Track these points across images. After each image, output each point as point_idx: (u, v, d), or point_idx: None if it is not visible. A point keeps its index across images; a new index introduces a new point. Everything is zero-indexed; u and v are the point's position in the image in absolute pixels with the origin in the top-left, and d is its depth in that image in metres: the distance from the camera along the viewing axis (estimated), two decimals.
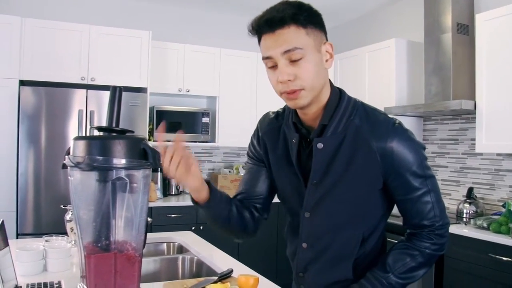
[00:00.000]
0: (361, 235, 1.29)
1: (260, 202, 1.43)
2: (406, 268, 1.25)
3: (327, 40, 1.22)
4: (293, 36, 1.13)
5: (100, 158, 0.76)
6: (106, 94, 3.74)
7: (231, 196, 1.42)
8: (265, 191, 1.43)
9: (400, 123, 1.24)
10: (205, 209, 1.27)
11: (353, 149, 1.22)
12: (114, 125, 0.83)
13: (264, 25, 1.15)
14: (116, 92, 0.83)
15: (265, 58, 1.18)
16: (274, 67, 1.17)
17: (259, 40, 1.20)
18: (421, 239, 1.27)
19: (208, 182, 1.28)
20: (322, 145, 1.24)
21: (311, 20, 1.16)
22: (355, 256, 1.30)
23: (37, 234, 3.39)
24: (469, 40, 3.49)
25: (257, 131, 1.46)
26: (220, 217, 1.32)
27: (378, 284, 1.24)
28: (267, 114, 1.46)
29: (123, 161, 0.78)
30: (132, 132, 0.83)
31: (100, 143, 0.79)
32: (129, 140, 0.80)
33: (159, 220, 3.87)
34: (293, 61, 1.14)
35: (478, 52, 3.21)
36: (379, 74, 4.04)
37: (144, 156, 0.80)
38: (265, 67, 1.21)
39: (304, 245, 1.35)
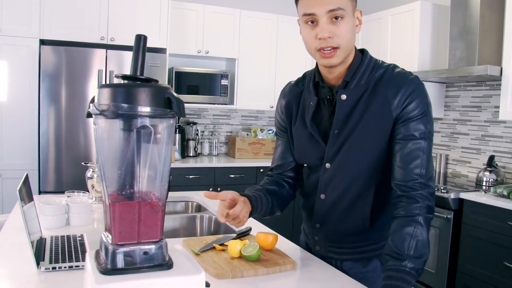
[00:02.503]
0: (374, 183, 1.36)
1: (293, 171, 1.57)
2: (413, 248, 1.20)
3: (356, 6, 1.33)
4: None
5: (125, 105, 0.76)
6: (126, 54, 3.75)
7: (268, 171, 1.61)
8: (295, 162, 1.55)
9: (417, 77, 1.31)
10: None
11: (370, 98, 1.30)
12: (138, 73, 0.82)
13: None
14: (141, 41, 0.82)
15: (306, 15, 1.26)
16: (313, 24, 1.26)
17: None
18: (410, 203, 1.25)
19: (244, 195, 1.42)
20: (346, 96, 1.33)
21: None
22: (371, 204, 1.37)
23: (59, 192, 3.46)
24: (498, 2, 3.36)
25: (279, 101, 1.56)
26: (266, 214, 1.49)
27: (403, 275, 1.18)
28: (288, 84, 1.57)
29: (148, 109, 0.78)
30: (157, 81, 0.83)
31: (125, 91, 0.78)
32: (154, 89, 0.80)
33: (177, 181, 3.91)
34: (333, 20, 1.24)
35: (508, 15, 3.10)
36: (402, 38, 3.94)
37: (168, 105, 0.80)
38: (301, 23, 1.30)
39: (322, 196, 1.43)
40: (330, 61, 1.28)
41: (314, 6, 1.23)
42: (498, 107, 3.26)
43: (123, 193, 0.82)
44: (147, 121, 0.78)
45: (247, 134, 4.81)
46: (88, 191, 2.21)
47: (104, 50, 3.72)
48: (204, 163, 4.25)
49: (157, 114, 0.79)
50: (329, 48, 1.26)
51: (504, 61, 3.12)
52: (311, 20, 1.26)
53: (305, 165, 1.55)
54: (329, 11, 1.22)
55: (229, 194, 1.35)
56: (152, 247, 0.85)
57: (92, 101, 0.81)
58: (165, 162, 0.82)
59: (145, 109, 0.77)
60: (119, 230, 0.82)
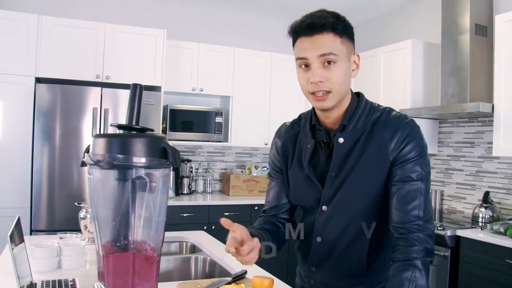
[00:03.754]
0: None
1: (288, 213, 1.54)
2: None
3: (355, 51, 1.34)
4: (330, 42, 1.25)
5: (120, 156, 0.75)
6: (121, 92, 3.76)
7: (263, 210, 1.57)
8: (289, 203, 1.53)
9: (413, 120, 1.33)
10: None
11: (367, 141, 1.31)
12: (134, 123, 0.81)
13: (305, 29, 1.26)
14: (137, 90, 0.82)
15: (299, 58, 1.29)
16: (306, 68, 1.28)
17: (294, 42, 1.31)
18: (408, 246, 1.25)
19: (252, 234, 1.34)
20: (343, 140, 1.33)
21: (346, 31, 1.29)
22: (368, 247, 1.36)
23: (51, 230, 3.41)
24: (487, 41, 3.44)
25: (274, 143, 1.56)
26: (268, 255, 1.40)
27: None
28: (283, 125, 1.57)
29: (143, 159, 0.77)
30: (152, 130, 0.82)
31: (120, 141, 0.77)
32: (149, 139, 0.79)
33: (171, 219, 3.86)
34: (325, 65, 1.25)
35: (497, 53, 3.16)
36: (395, 75, 4.00)
37: (164, 155, 0.79)
38: (296, 66, 1.31)
39: (319, 239, 1.41)
40: (322, 104, 1.29)
41: (306, 50, 1.26)
42: (491, 143, 3.28)
43: (117, 244, 0.80)
44: (142, 172, 0.77)
45: (242, 171, 4.80)
46: (81, 231, 2.17)
47: (99, 88, 3.73)
48: (198, 201, 4.22)
49: (152, 165, 0.78)
50: (322, 92, 1.27)
51: (495, 98, 3.16)
52: (304, 64, 1.28)
53: (299, 206, 1.54)
54: (320, 55, 1.24)
55: (241, 232, 1.24)
56: None
57: (87, 150, 0.80)
58: (160, 212, 0.81)
59: (140, 159, 0.76)
60: (113, 282, 0.80)
